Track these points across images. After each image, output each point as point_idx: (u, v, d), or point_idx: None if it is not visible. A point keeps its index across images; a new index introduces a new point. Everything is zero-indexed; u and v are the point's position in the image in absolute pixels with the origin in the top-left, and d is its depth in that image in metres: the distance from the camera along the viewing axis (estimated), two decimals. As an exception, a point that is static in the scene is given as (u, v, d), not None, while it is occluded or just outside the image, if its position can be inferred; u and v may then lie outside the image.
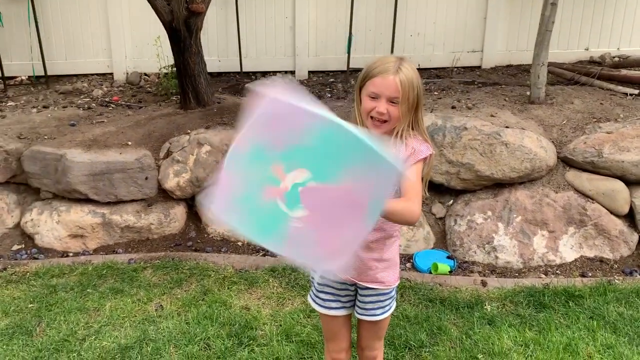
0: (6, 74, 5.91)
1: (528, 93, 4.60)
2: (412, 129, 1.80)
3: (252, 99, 1.41)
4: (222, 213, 1.50)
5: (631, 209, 3.79)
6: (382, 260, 1.88)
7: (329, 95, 5.36)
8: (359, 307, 1.95)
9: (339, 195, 1.40)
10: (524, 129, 3.95)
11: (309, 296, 2.01)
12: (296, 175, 1.42)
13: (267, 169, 1.44)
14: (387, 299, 1.94)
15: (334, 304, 1.94)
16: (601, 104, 4.41)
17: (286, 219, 1.43)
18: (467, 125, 3.93)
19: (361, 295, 1.93)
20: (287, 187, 1.42)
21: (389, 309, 1.96)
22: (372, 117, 1.76)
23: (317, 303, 1.95)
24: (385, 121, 1.75)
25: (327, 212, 1.42)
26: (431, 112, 4.21)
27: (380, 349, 2.08)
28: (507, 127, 3.95)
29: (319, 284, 1.93)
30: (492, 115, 4.17)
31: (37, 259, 3.92)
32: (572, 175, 3.91)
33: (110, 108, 5.25)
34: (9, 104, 5.39)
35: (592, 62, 5.87)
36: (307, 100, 1.40)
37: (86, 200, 4.13)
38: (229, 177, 1.49)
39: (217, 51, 6.08)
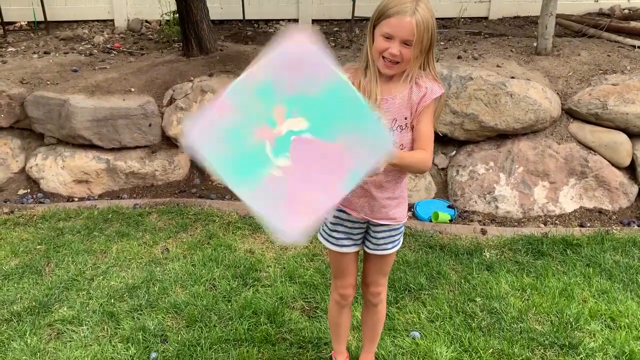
0: (5, 19, 5.82)
1: (535, 44, 4.54)
2: (423, 69, 1.80)
3: (278, 38, 1.40)
4: (198, 139, 1.41)
5: (633, 161, 3.81)
6: (394, 197, 1.92)
7: (333, 45, 5.29)
8: (371, 242, 2.00)
9: (327, 155, 1.42)
10: (530, 80, 3.92)
11: (319, 235, 2.05)
12: (294, 123, 1.43)
13: (269, 108, 1.43)
14: (398, 234, 2.01)
15: (346, 242, 1.99)
16: (608, 55, 4.36)
17: (267, 164, 1.41)
18: (473, 75, 3.91)
19: (374, 231, 1.98)
20: (281, 132, 1.42)
21: (398, 243, 2.03)
22: (384, 57, 1.75)
23: (330, 242, 2.00)
24: (397, 62, 1.75)
25: (309, 168, 1.43)
26: (437, 61, 4.16)
27: (385, 286, 2.14)
28: (512, 77, 3.92)
29: (332, 223, 1.97)
30: (498, 66, 4.13)
31: (43, 203, 3.97)
32: (575, 126, 3.92)
33: (112, 55, 5.19)
34: (9, 49, 5.33)
35: (601, 14, 5.77)
36: (328, 55, 1.42)
37: (90, 146, 4.15)
38: (225, 104, 1.43)
39: (219, -2, 5.96)
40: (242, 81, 1.44)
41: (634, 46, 4.57)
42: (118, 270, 3.08)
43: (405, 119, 1.81)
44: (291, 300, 2.78)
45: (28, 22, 6.02)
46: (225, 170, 1.44)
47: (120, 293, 2.86)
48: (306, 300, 2.80)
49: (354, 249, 2.01)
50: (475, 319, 2.63)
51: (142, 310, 2.71)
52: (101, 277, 3.01)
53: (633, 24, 4.93)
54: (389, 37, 1.72)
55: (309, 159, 1.44)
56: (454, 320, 2.61)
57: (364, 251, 2.06)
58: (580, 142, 3.86)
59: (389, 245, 2.00)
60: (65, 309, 2.74)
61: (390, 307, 2.64)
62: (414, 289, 2.86)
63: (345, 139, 1.43)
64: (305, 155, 1.43)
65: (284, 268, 3.07)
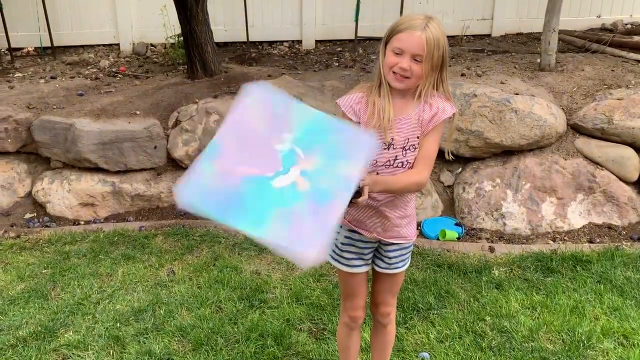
0: (13, 45, 5.90)
1: (538, 60, 4.55)
2: (436, 89, 1.80)
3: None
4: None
5: (641, 176, 3.79)
6: (406, 216, 1.93)
7: (337, 65, 5.33)
8: (382, 261, 1.99)
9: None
10: (534, 96, 3.92)
11: (328, 255, 2.03)
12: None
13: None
14: (408, 252, 2.01)
15: (357, 262, 1.97)
16: (612, 70, 4.36)
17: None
18: (477, 92, 3.91)
19: (385, 251, 1.97)
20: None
21: (408, 261, 2.03)
22: (394, 72, 1.75)
23: (340, 262, 1.98)
24: (407, 77, 1.75)
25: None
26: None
27: (394, 306, 2.12)
28: (517, 94, 3.92)
29: (342, 243, 1.96)
30: (502, 83, 4.13)
31: (49, 227, 3.98)
32: (581, 142, 3.90)
33: (118, 78, 5.24)
34: (17, 74, 5.39)
35: (603, 29, 5.79)
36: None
37: (96, 169, 4.16)
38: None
39: (223, 20, 6.02)
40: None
41: (638, 60, 4.57)
42: (124, 293, 3.06)
43: (417, 137, 1.81)
44: (298, 322, 2.75)
45: (35, 47, 6.10)
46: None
47: (126, 317, 2.83)
48: (313, 321, 2.76)
49: (364, 269, 2.00)
50: (485, 339, 2.59)
51: (148, 334, 2.68)
52: (107, 300, 2.99)
53: (636, 38, 4.93)
54: (399, 53, 1.74)
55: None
56: (463, 340, 2.57)
57: (374, 271, 2.04)
58: (587, 157, 3.84)
59: (400, 264, 1.99)
60: (71, 333, 2.71)
61: (398, 328, 2.60)
62: (422, 308, 2.82)
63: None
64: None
65: (291, 289, 3.04)
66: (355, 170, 1.55)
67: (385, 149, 1.81)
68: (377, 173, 1.82)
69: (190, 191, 1.46)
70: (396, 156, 1.82)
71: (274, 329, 2.67)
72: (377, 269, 2.02)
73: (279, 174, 1.48)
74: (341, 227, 1.93)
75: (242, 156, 1.51)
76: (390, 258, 1.97)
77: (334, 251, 1.99)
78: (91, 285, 3.14)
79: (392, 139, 1.79)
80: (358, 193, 1.63)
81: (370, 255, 1.99)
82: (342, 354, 2.23)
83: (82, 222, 4.09)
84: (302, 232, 1.40)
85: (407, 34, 1.71)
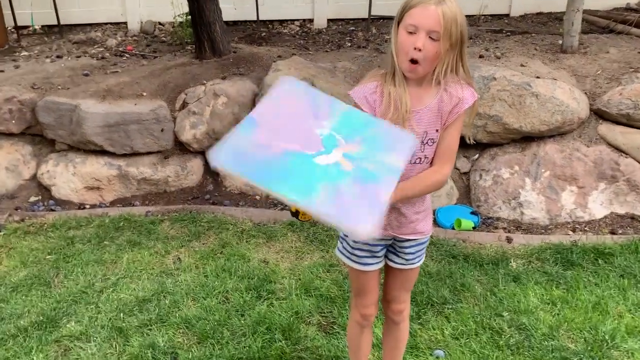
0: (19, 23, 5.78)
1: (560, 42, 4.36)
2: (456, 72, 1.65)
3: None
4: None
5: (667, 164, 3.61)
6: (422, 211, 1.80)
7: (349, 45, 5.15)
8: (397, 257, 1.88)
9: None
10: (556, 80, 3.74)
11: (338, 252, 1.91)
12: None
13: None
14: (424, 247, 1.89)
15: (370, 260, 1.85)
16: (639, 53, 4.16)
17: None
18: (496, 75, 3.74)
19: (401, 247, 1.85)
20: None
21: (423, 256, 1.92)
22: (411, 62, 1.60)
23: (352, 260, 1.86)
24: (418, 63, 1.60)
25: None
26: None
27: (408, 302, 2.00)
28: (537, 77, 3.74)
29: (354, 241, 1.84)
30: (522, 65, 3.95)
31: (54, 210, 3.90)
32: (605, 128, 3.72)
33: (124, 58, 5.11)
34: (23, 53, 5.28)
35: (628, 9, 5.53)
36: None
37: (102, 152, 4.06)
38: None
39: (232, -2, 5.85)
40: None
41: (666, 42, 4.36)
42: (128, 281, 2.98)
43: (437, 131, 1.67)
44: (307, 315, 2.65)
45: (42, 25, 5.97)
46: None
47: (130, 307, 2.75)
48: (323, 314, 2.66)
49: (377, 267, 1.88)
50: (503, 336, 2.47)
51: (152, 326, 2.60)
52: (111, 289, 2.91)
53: (663, 19, 4.71)
54: (413, 31, 1.56)
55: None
56: (480, 338, 2.46)
57: (387, 266, 1.92)
58: (610, 144, 3.67)
59: (416, 260, 1.88)
60: (73, 323, 2.64)
61: (412, 323, 2.49)
62: (437, 302, 2.71)
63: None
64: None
65: (300, 279, 2.94)
66: (399, 161, 1.46)
67: None
68: None
69: (227, 152, 1.37)
70: (414, 152, 1.68)
71: (282, 322, 2.57)
72: (391, 264, 1.90)
73: (321, 153, 1.41)
74: None
75: (280, 133, 1.43)
76: (406, 254, 1.85)
77: (344, 248, 1.87)
78: (95, 272, 3.06)
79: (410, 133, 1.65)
80: None
81: (383, 252, 1.87)
82: (352, 352, 2.12)
83: (88, 206, 4.00)
84: (350, 207, 1.33)
85: (421, 8, 1.54)
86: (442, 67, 1.61)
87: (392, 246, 1.86)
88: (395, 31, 1.63)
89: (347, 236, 1.85)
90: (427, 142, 1.67)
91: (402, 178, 1.64)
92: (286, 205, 3.21)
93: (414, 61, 1.59)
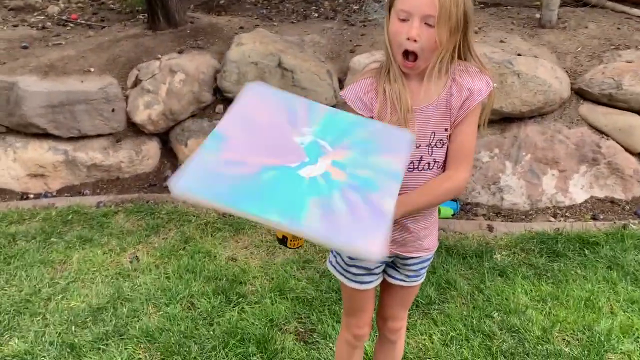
0: (-55, -14, 5.16)
1: (538, 16, 4.16)
2: (464, 58, 1.40)
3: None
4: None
5: (648, 146, 3.51)
6: (429, 226, 1.57)
7: (316, 15, 4.82)
8: (398, 273, 1.65)
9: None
10: (537, 57, 3.55)
11: (330, 265, 1.67)
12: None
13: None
14: (428, 263, 1.66)
15: (367, 278, 1.61)
16: (618, 28, 4.01)
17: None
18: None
19: (403, 264, 1.62)
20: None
21: (425, 272, 1.70)
22: (405, 55, 1.35)
23: (346, 277, 1.62)
24: (415, 57, 1.35)
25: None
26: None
27: (405, 320, 1.79)
28: (519, 54, 3.54)
29: (349, 257, 1.59)
30: (501, 41, 3.74)
31: (-8, 201, 3.50)
32: (586, 109, 3.58)
33: (68, 28, 4.63)
34: (-50, 21, 4.72)
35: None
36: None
37: (45, 135, 3.65)
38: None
39: (188, -38, 5.38)
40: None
41: (643, 17, 4.23)
42: (80, 286, 2.66)
43: (446, 130, 1.42)
44: (283, 322, 2.41)
45: (-28, -11, 5.36)
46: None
47: (83, 317, 2.44)
48: (300, 320, 2.43)
49: (374, 285, 1.64)
50: (495, 341, 2.30)
51: (108, 340, 2.30)
52: (60, 295, 2.59)
53: (638, -8, 4.57)
54: (405, 18, 1.32)
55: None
56: (471, 343, 2.29)
57: (385, 281, 1.68)
58: (591, 126, 3.53)
59: (418, 278, 1.65)
60: (16, 340, 2.31)
61: (398, 329, 2.30)
62: (422, 303, 2.52)
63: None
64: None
65: (272, 279, 2.70)
66: (398, 163, 1.22)
67: None
68: None
69: (191, 175, 1.11)
70: (421, 157, 1.43)
71: (255, 332, 2.32)
72: (390, 279, 1.66)
73: (306, 164, 1.17)
74: None
75: (254, 147, 1.19)
76: (408, 272, 1.62)
77: (338, 263, 1.62)
78: (42, 276, 2.73)
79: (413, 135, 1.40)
80: None
81: (382, 269, 1.63)
82: (340, 376, 1.89)
83: (32, 196, 3.61)
84: (350, 223, 1.10)
85: None
86: (443, 55, 1.36)
87: (392, 262, 1.63)
88: (388, 17, 1.38)
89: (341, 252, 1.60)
90: (435, 144, 1.43)
91: (409, 188, 1.41)
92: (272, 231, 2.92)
93: (409, 54, 1.35)
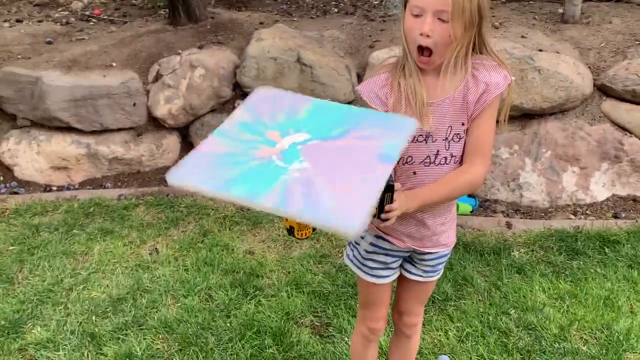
0: (-27, -17, 5.28)
1: (560, 11, 4.10)
2: (480, 52, 1.39)
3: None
4: (188, 174, 1.12)
5: (672, 144, 3.44)
6: (447, 221, 1.57)
7: (336, 11, 4.82)
8: (415, 268, 1.65)
9: (344, 149, 1.16)
10: (559, 53, 3.50)
11: (347, 259, 1.68)
12: (294, 137, 1.19)
13: (262, 134, 1.18)
14: (446, 259, 1.67)
15: (383, 272, 1.62)
16: (643, 23, 3.94)
17: (285, 172, 1.11)
18: (496, 47, 3.47)
19: (420, 259, 1.62)
20: (284, 147, 1.16)
21: (443, 268, 1.70)
22: (420, 50, 1.35)
23: (363, 271, 1.63)
24: (430, 52, 1.34)
25: (332, 166, 1.14)
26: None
27: (421, 315, 1.80)
28: (540, 50, 3.50)
29: (366, 251, 1.60)
30: (522, 37, 3.70)
31: (17, 193, 3.57)
32: (608, 105, 3.52)
33: (91, 23, 4.70)
34: (-22, 17, 4.82)
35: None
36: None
37: (68, 129, 3.72)
38: (211, 142, 1.18)
39: (209, -42, 5.41)
40: (224, 124, 1.21)
41: (669, 12, 4.14)
42: (100, 277, 2.71)
43: (463, 124, 1.42)
44: (299, 315, 2.43)
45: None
46: (235, 188, 1.09)
47: (103, 307, 2.49)
48: (316, 314, 2.45)
49: (391, 279, 1.65)
50: (511, 338, 2.29)
51: (127, 330, 2.35)
52: (81, 286, 2.64)
53: (665, -14, 4.48)
54: (418, 14, 1.32)
55: (327, 157, 1.16)
56: (487, 340, 2.28)
57: (401, 276, 1.69)
58: (614, 123, 3.48)
59: (435, 273, 1.66)
60: (39, 328, 2.37)
61: (413, 325, 2.30)
62: (438, 299, 2.51)
63: (353, 134, 1.18)
64: (322, 155, 1.16)
65: (289, 273, 2.72)
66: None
67: (422, 141, 1.42)
68: (415, 172, 1.44)
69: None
70: (437, 150, 1.43)
71: (272, 325, 2.35)
72: (406, 274, 1.67)
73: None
74: (366, 230, 1.56)
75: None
76: (425, 267, 1.63)
77: (355, 257, 1.63)
78: (64, 266, 2.78)
79: (430, 129, 1.40)
80: (390, 195, 1.28)
81: (399, 263, 1.64)
82: (355, 369, 1.90)
83: (55, 188, 3.68)
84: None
85: None
86: (457, 49, 1.35)
87: (409, 256, 1.63)
88: (403, 12, 1.39)
89: (358, 244, 1.61)
90: (452, 139, 1.43)
91: (426, 182, 1.41)
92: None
93: (424, 49, 1.35)
